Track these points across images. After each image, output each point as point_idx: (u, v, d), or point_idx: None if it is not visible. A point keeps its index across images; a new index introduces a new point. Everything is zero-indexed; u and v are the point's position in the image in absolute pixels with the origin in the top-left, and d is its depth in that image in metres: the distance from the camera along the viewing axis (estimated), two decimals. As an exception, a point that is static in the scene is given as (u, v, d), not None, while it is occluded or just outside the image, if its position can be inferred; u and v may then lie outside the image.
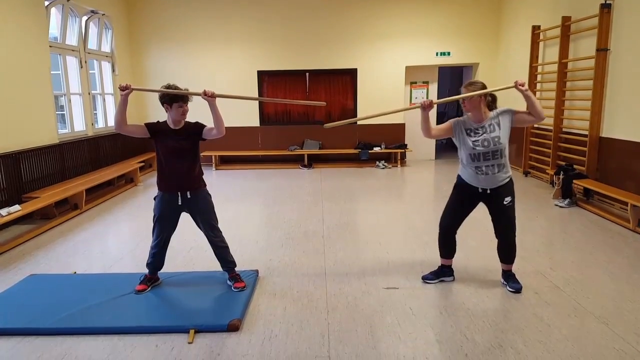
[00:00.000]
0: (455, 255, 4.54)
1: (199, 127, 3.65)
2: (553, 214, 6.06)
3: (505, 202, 3.61)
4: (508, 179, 3.60)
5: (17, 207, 5.33)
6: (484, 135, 3.54)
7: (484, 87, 3.56)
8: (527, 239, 5.08)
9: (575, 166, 6.86)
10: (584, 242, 4.94)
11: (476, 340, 3.02)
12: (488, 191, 3.60)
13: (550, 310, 3.41)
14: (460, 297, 3.64)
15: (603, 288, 3.79)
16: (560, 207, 6.33)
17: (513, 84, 3.48)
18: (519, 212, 6.13)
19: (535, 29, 8.26)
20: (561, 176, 6.63)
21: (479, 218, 5.80)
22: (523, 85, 3.43)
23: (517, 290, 3.70)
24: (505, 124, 3.53)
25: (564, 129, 7.55)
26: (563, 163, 7.19)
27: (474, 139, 3.57)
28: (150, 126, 3.64)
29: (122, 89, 3.43)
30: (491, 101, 3.66)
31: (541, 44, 8.29)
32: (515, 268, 4.20)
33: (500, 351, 2.89)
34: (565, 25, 7.28)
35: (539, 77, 8.40)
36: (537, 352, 2.87)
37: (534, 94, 8.36)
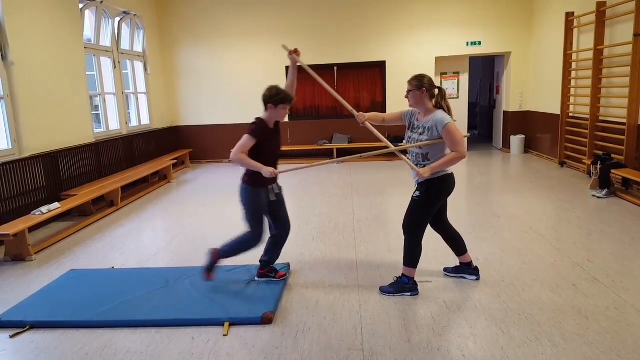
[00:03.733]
0: (491, 249, 4.48)
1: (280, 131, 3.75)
2: (590, 205, 5.89)
3: (414, 195, 3.46)
4: (432, 178, 3.38)
5: (56, 204, 5.51)
6: (415, 135, 3.44)
7: (430, 81, 3.38)
8: (564, 231, 4.97)
9: (613, 155, 6.64)
10: (623, 233, 4.79)
11: (512, 333, 2.97)
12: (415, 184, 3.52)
13: (588, 303, 3.32)
14: (495, 290, 3.58)
15: (644, 280, 3.67)
16: (598, 197, 6.15)
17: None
18: (556, 202, 6.07)
19: (569, 16, 8.02)
20: (598, 166, 6.43)
21: (517, 213, 5.72)
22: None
23: (387, 292, 3.59)
24: (433, 135, 3.34)
25: (600, 118, 7.32)
26: (600, 152, 6.97)
27: (409, 134, 3.51)
28: (265, 129, 3.62)
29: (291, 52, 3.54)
30: (439, 95, 3.42)
31: (575, 31, 8.04)
32: (552, 260, 4.13)
33: (537, 344, 2.83)
34: (601, 10, 7.04)
35: (573, 65, 8.15)
36: (575, 345, 2.81)
37: (569, 82, 8.17)
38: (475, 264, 3.85)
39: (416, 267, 3.57)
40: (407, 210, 3.54)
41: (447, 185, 3.46)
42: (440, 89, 3.46)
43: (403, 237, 3.58)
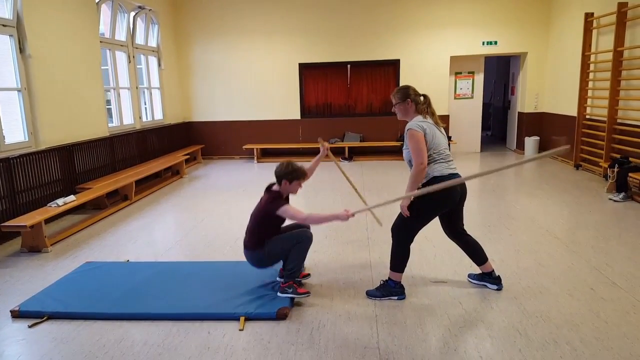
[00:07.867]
0: (507, 250, 4.42)
1: None
2: (607, 209, 5.82)
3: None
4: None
5: (72, 197, 5.54)
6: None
7: (414, 91, 3.39)
8: (581, 234, 4.92)
9: (630, 158, 6.56)
10: (642, 237, 4.74)
11: (530, 335, 2.94)
12: None
13: (607, 307, 3.28)
14: (512, 292, 3.55)
15: (664, 285, 3.62)
16: (615, 201, 6.08)
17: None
18: (571, 206, 6.01)
19: (589, 16, 7.93)
20: (616, 169, 6.36)
21: (532, 215, 5.67)
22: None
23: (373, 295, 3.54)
24: (406, 142, 3.35)
25: (618, 120, 7.24)
26: (618, 155, 6.90)
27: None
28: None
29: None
30: (424, 103, 3.40)
31: (594, 32, 7.95)
32: (569, 263, 4.08)
33: (555, 347, 2.80)
34: (622, 11, 6.95)
35: (591, 67, 8.07)
36: (594, 349, 2.78)
37: (587, 84, 8.09)
38: (492, 266, 3.71)
39: (402, 272, 3.50)
40: (399, 214, 3.45)
41: (441, 196, 3.26)
42: (424, 96, 3.42)
43: (425, 237, 3.52)
